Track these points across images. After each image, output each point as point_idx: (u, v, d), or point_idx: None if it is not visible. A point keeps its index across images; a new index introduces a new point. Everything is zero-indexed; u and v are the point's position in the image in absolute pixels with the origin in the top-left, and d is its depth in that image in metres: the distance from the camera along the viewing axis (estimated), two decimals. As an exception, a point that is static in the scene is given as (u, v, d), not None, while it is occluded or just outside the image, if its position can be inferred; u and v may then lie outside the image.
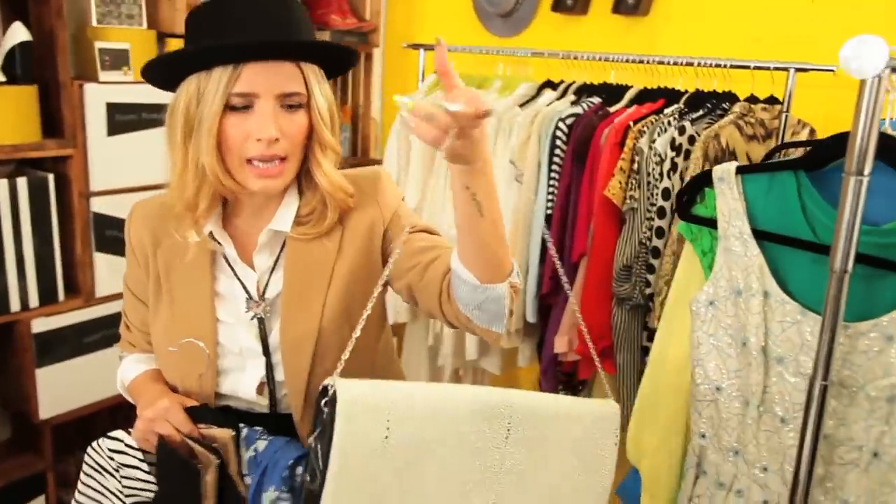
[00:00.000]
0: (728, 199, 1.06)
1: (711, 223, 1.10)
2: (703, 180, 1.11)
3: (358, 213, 1.09)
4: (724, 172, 1.06)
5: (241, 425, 1.00)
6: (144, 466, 1.05)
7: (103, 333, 2.17)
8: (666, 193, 1.72)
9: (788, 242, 1.00)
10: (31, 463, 2.12)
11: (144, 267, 1.12)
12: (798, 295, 1.01)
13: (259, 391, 1.06)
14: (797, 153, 1.79)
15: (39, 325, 2.02)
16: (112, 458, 1.05)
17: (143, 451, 1.05)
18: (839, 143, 0.97)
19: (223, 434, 0.98)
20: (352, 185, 1.08)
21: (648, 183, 1.73)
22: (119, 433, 1.06)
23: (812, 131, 1.82)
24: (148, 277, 1.11)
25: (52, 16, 1.94)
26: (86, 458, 1.08)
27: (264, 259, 1.08)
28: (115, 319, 2.17)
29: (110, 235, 2.13)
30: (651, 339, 1.83)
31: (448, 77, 0.79)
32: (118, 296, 2.17)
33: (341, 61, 1.06)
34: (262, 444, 0.98)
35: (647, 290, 1.75)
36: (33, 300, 1.99)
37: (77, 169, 2.02)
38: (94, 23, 2.07)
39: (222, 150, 0.98)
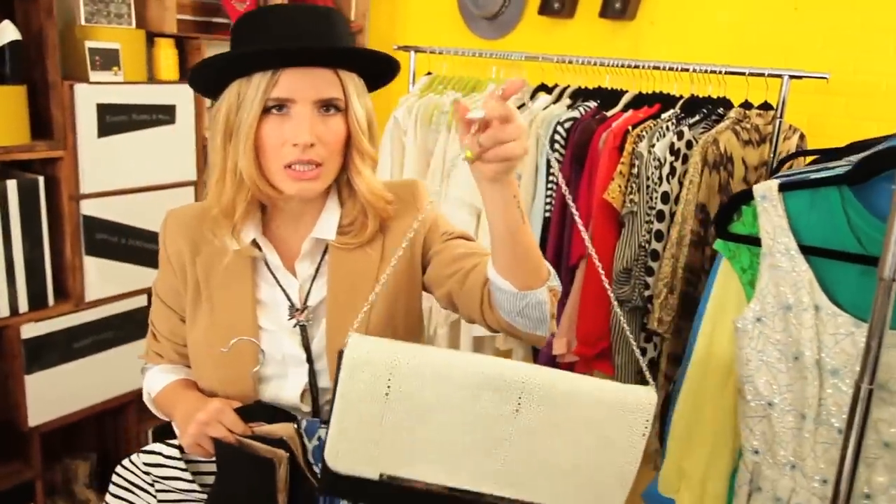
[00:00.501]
0: (772, 216, 1.09)
1: (751, 240, 1.12)
2: (742, 198, 1.13)
3: (398, 222, 1.10)
4: (767, 190, 1.09)
5: (299, 417, 1.00)
6: (187, 476, 1.03)
7: (93, 338, 2.14)
8: (665, 197, 1.75)
9: (837, 256, 1.03)
10: (20, 471, 2.08)
11: (181, 276, 1.10)
12: (848, 307, 1.05)
13: (301, 398, 1.06)
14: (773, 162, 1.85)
15: (29, 330, 1.98)
16: (148, 473, 1.03)
17: (187, 461, 1.04)
18: (886, 157, 1.01)
19: (286, 428, 0.98)
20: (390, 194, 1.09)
21: (647, 187, 1.77)
22: (155, 446, 1.04)
23: (802, 136, 1.88)
24: (185, 286, 1.10)
25: (40, 14, 1.90)
26: (114, 477, 1.05)
27: (306, 267, 1.08)
28: (105, 324, 2.14)
29: (100, 239, 2.09)
30: (649, 340, 1.87)
31: (464, 125, 0.80)
32: (108, 300, 2.14)
33: (381, 72, 1.07)
34: (324, 433, 0.98)
35: (646, 293, 1.78)
36: (23, 305, 1.95)
37: (67, 171, 1.99)
38: (83, 22, 2.03)
39: (260, 154, 0.99)
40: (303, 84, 0.97)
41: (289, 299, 1.07)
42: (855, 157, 1.15)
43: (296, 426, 0.99)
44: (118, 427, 2.40)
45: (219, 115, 1.00)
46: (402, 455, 0.84)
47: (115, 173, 2.09)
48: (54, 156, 1.96)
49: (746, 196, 1.13)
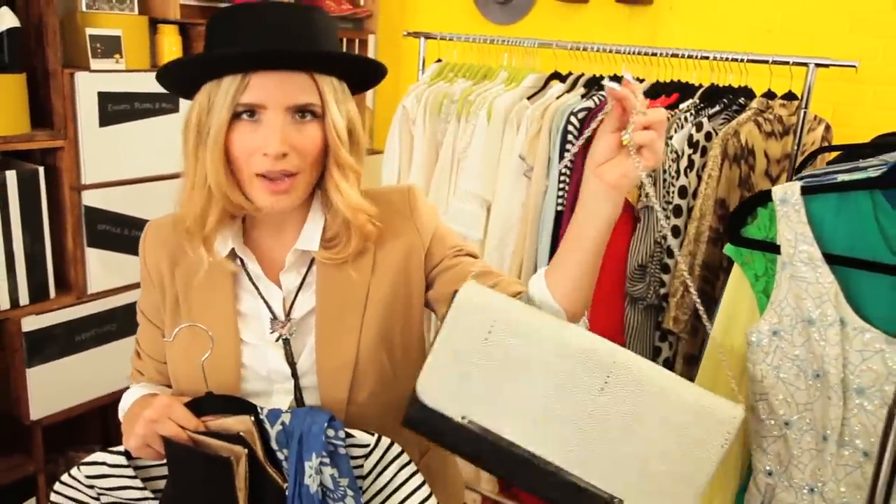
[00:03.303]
0: (794, 222, 1.00)
1: (766, 246, 1.04)
2: (758, 200, 1.05)
3: (392, 236, 1.02)
4: (788, 193, 1.00)
5: (260, 406, 0.94)
6: (137, 483, 0.97)
7: (95, 331, 2.10)
8: (682, 191, 1.68)
9: (866, 266, 0.95)
10: (22, 465, 2.05)
11: (160, 289, 1.04)
12: (877, 322, 0.96)
13: None
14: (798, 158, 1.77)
15: (30, 323, 1.94)
16: (92, 487, 0.97)
17: (136, 466, 0.98)
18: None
19: (242, 422, 0.92)
20: (383, 204, 1.02)
21: (664, 180, 1.70)
22: (97, 455, 0.97)
23: (828, 128, 1.80)
24: (164, 300, 1.04)
25: (40, 1, 1.85)
26: (53, 496, 0.98)
27: (291, 278, 1.02)
28: (108, 316, 2.11)
29: (102, 230, 2.05)
30: (663, 339, 1.80)
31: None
32: (111, 292, 2.11)
33: (365, 75, 1.00)
34: (286, 417, 0.93)
35: (662, 290, 1.72)
36: (23, 298, 1.91)
37: (68, 161, 1.94)
38: (84, 8, 1.98)
39: (230, 163, 0.93)
40: (274, 89, 0.89)
41: (271, 311, 1.01)
42: (889, 157, 1.07)
43: (253, 417, 0.92)
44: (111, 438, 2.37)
45: (190, 120, 0.93)
46: (486, 405, 0.86)
47: (118, 163, 2.04)
48: (55, 146, 1.92)
49: (763, 198, 1.04)
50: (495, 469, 0.93)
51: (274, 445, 0.94)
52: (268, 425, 0.93)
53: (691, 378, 1.68)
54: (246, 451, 0.91)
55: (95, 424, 2.40)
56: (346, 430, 0.92)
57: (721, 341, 1.13)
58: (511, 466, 0.88)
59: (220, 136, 0.90)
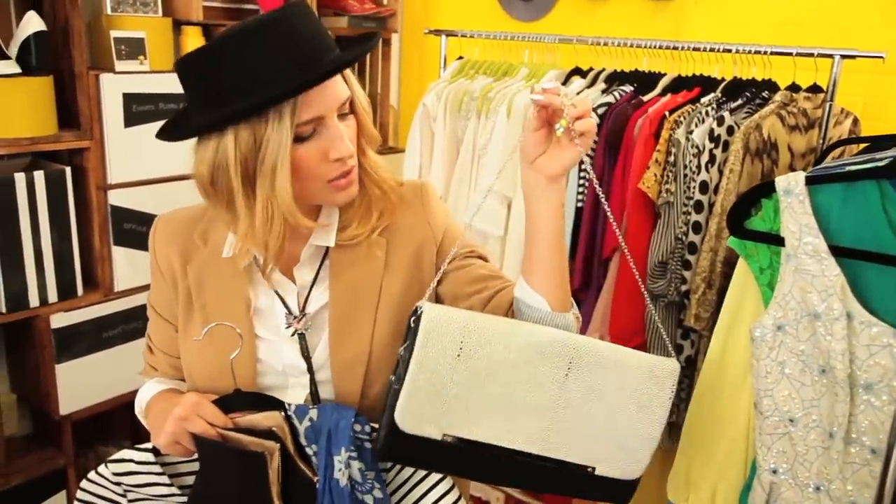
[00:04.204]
0: (798, 213, 0.97)
1: (770, 238, 1.01)
2: (762, 191, 1.02)
3: (404, 230, 1.03)
4: (792, 183, 0.97)
5: (287, 403, 0.95)
6: (164, 479, 0.98)
7: (122, 328, 2.14)
8: (703, 187, 1.65)
9: (874, 259, 0.92)
10: (52, 458, 2.10)
11: (172, 285, 1.05)
12: (884, 315, 0.93)
13: None
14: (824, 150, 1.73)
15: (58, 320, 1.98)
16: (119, 484, 0.98)
17: (163, 463, 0.99)
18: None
19: (273, 418, 0.93)
20: (396, 199, 1.03)
21: (685, 176, 1.67)
22: (125, 453, 0.99)
23: (856, 121, 1.75)
24: (176, 295, 1.05)
25: (66, 5, 1.89)
26: (79, 493, 0.99)
27: (305, 273, 1.03)
28: (134, 313, 2.15)
29: (129, 228, 2.09)
30: (685, 336, 1.77)
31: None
32: (137, 290, 2.14)
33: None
34: (314, 413, 0.94)
35: (683, 287, 1.69)
36: (52, 295, 1.96)
37: (94, 161, 1.98)
38: (109, 11, 2.01)
39: (297, 181, 0.91)
40: (324, 96, 0.90)
41: (285, 306, 1.02)
42: (904, 147, 1.03)
43: (283, 412, 0.94)
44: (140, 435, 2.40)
45: (226, 164, 0.89)
46: (464, 415, 0.89)
47: (142, 163, 2.08)
48: (81, 146, 1.96)
49: (767, 189, 1.01)
50: (477, 475, 0.99)
51: (303, 441, 0.95)
52: (296, 421, 0.95)
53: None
54: (278, 445, 0.93)
55: (124, 419, 2.44)
56: (371, 424, 0.93)
57: (726, 336, 1.10)
58: (492, 469, 0.93)
59: (285, 163, 0.88)
